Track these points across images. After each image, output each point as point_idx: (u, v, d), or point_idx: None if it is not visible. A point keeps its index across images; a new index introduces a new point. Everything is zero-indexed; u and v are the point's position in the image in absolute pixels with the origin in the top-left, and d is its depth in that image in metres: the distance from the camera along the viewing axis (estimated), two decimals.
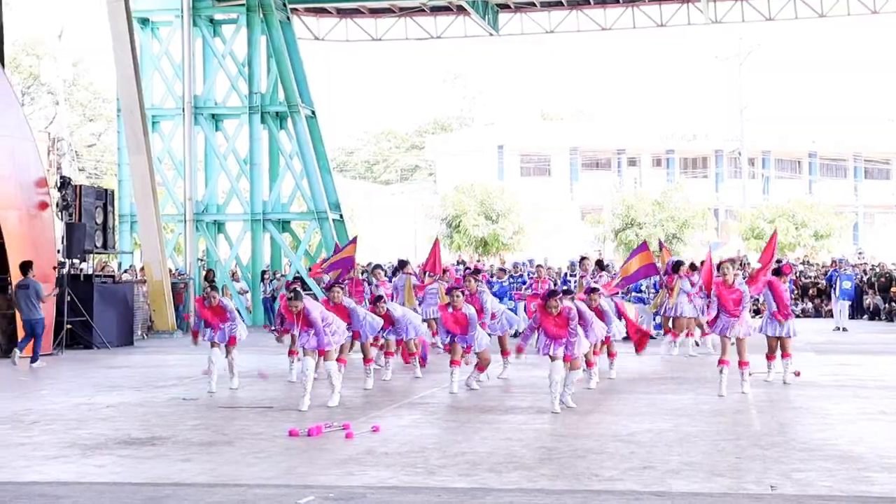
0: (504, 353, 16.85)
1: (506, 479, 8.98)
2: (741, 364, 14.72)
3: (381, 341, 16.83)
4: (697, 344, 21.02)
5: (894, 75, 78.46)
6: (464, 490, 8.60)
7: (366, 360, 15.96)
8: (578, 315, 13.45)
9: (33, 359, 19.95)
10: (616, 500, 8.25)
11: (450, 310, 15.09)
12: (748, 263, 20.59)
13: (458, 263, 30.83)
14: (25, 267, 20.44)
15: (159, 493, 8.59)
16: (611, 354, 16.65)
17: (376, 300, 16.63)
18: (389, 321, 16.35)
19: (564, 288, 17.27)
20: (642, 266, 19.22)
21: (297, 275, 30.31)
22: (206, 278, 30.78)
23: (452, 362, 15.17)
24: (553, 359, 12.98)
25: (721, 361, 14.61)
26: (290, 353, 16.46)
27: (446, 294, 15.92)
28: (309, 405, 13.16)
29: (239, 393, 15.19)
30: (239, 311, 16.31)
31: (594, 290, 15.99)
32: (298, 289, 14.21)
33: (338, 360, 15.57)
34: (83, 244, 23.81)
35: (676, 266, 20.83)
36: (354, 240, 20.91)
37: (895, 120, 69.13)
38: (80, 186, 24.80)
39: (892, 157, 70.41)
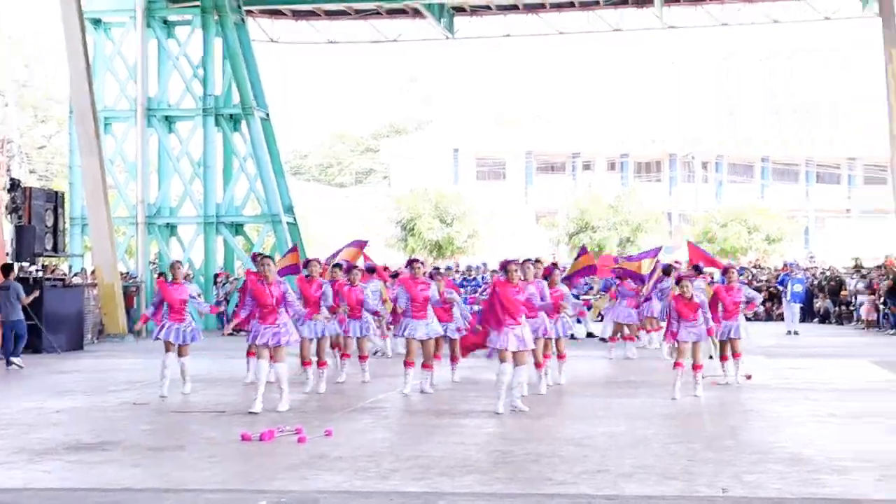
0: (454, 358, 16.83)
1: (459, 483, 8.96)
2: (695, 367, 14.82)
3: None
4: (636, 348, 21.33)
5: (845, 81, 79.21)
6: (417, 494, 8.57)
7: (319, 363, 15.92)
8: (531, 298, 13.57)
9: (12, 356, 20.10)
10: (568, 503, 8.26)
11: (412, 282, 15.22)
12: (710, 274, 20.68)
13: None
14: (7, 269, 20.69)
15: (109, 499, 8.51)
16: (560, 356, 16.39)
17: (349, 270, 16.72)
18: (357, 302, 16.38)
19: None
20: (651, 271, 19.35)
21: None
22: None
23: (406, 363, 15.17)
24: (502, 360, 12.99)
25: (677, 364, 14.70)
26: (249, 353, 16.31)
27: (406, 266, 16.04)
28: (262, 408, 13.10)
29: (191, 397, 15.06)
30: (193, 316, 16.10)
31: (555, 265, 16.23)
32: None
33: (319, 364, 15.62)
34: (33, 247, 23.55)
35: (667, 270, 20.85)
36: (362, 245, 20.12)
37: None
38: (30, 189, 24.54)
39: (843, 162, 71.18)
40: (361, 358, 16.90)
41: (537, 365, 15.11)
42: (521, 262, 14.25)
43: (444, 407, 13.84)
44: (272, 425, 11.71)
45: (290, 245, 26.76)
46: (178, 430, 12.12)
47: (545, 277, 15.81)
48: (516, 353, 13.06)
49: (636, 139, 68.05)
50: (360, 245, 20.03)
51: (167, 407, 14.17)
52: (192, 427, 12.29)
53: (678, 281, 15.43)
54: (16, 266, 23.28)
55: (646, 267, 19.58)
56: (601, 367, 19.30)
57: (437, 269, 18.08)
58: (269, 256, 13.98)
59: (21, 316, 20.53)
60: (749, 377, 16.40)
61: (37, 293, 21.90)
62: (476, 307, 25.21)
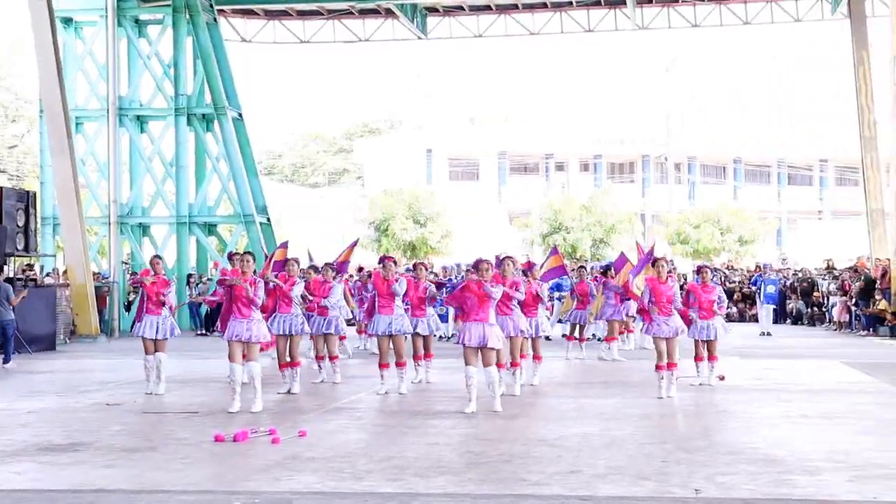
0: (427, 355, 16.86)
1: (433, 484, 8.95)
2: (669, 366, 14.80)
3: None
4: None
5: (816, 82, 79.64)
6: (391, 495, 8.56)
7: (293, 363, 15.86)
8: (505, 298, 13.58)
9: (6, 359, 20.07)
10: None
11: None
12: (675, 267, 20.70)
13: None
14: None
15: (81, 500, 8.45)
16: (536, 357, 16.38)
17: (323, 267, 16.77)
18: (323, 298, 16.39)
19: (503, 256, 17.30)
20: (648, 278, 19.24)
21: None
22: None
23: (380, 366, 15.15)
24: (467, 362, 13.01)
25: (658, 367, 14.69)
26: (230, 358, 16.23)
27: (378, 264, 16.04)
28: (240, 407, 13.11)
29: (165, 398, 15.00)
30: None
31: (532, 265, 16.26)
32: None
33: (292, 364, 15.57)
34: (4, 247, 23.36)
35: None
36: (354, 244, 20.21)
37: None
38: (1, 188, 24.35)
39: (815, 163, 71.61)
40: (332, 358, 16.86)
41: (513, 364, 15.09)
42: (501, 258, 14.33)
43: (418, 407, 13.83)
44: (246, 426, 11.68)
45: (280, 243, 26.68)
46: (151, 430, 12.05)
47: (524, 273, 15.87)
48: (483, 351, 13.06)
49: (609, 139, 68.25)
50: (353, 245, 20.16)
51: (140, 407, 14.09)
52: (166, 428, 12.23)
53: (654, 262, 15.41)
54: None
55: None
56: (574, 368, 19.32)
57: (420, 262, 18.11)
58: (249, 252, 14.08)
59: (11, 316, 20.52)
60: (722, 378, 16.44)
61: (25, 293, 21.80)
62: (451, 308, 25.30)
